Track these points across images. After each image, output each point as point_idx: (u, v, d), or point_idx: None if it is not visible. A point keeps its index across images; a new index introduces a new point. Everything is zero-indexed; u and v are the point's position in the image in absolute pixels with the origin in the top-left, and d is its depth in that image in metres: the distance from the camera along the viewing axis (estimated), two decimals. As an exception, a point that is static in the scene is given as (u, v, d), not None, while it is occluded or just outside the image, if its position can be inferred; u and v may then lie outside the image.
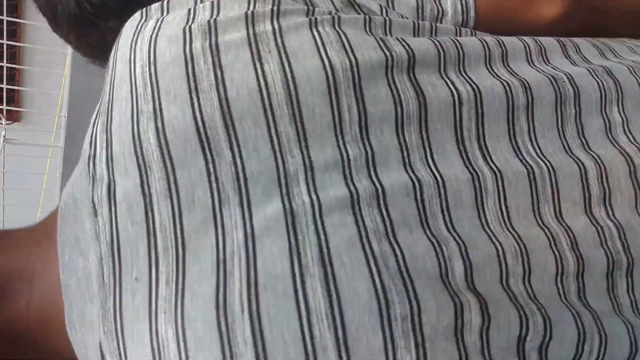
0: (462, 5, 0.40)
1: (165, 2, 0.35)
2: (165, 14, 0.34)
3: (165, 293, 0.28)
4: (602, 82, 0.37)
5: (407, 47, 0.33)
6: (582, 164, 0.34)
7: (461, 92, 0.33)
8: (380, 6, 0.37)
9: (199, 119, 0.30)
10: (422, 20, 0.38)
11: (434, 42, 0.34)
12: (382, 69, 0.32)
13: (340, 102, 0.31)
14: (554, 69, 0.38)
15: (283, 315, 0.27)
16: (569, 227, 0.33)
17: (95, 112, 0.35)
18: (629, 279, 0.33)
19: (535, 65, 0.38)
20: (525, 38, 0.39)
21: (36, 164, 3.05)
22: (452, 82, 0.34)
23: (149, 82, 0.31)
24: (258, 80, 0.31)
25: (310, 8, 0.34)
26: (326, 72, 0.31)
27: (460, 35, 0.38)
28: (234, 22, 0.33)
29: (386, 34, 0.35)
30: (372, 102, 0.32)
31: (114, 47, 0.35)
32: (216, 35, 0.32)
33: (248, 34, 0.32)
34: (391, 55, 0.33)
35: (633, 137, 0.36)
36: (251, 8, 0.33)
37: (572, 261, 0.32)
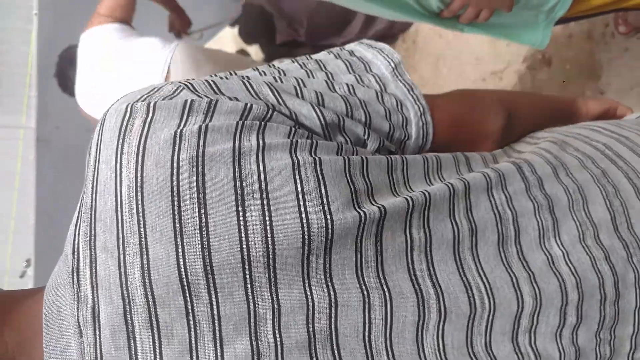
0: (423, 132, 0.45)
1: (151, 104, 0.36)
2: (151, 114, 0.35)
3: None
4: (541, 220, 0.42)
5: (380, 208, 0.36)
6: (523, 300, 0.38)
7: (414, 238, 0.37)
8: (364, 129, 0.41)
9: (182, 265, 0.33)
10: (390, 142, 0.43)
11: (406, 199, 0.38)
12: (355, 228, 0.35)
13: (311, 255, 0.34)
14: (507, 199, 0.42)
15: None
16: (494, 357, 0.38)
17: (76, 215, 0.36)
18: None
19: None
20: (458, 154, 0.45)
21: (8, 146, 2.98)
22: (411, 233, 0.38)
23: (135, 211, 0.33)
24: (240, 230, 0.33)
25: (293, 130, 0.37)
26: (303, 231, 0.34)
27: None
28: (223, 131, 0.35)
29: (364, 176, 0.38)
30: (339, 258, 0.35)
31: (96, 136, 0.37)
32: (204, 146, 0.34)
33: (234, 147, 0.34)
34: (365, 215, 0.36)
35: (574, 268, 0.40)
36: (242, 119, 0.36)
37: None
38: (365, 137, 0.41)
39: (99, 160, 0.35)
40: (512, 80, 1.90)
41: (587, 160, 0.46)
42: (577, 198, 0.43)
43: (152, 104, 0.35)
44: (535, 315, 0.39)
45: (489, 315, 0.37)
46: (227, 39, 2.89)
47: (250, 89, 0.38)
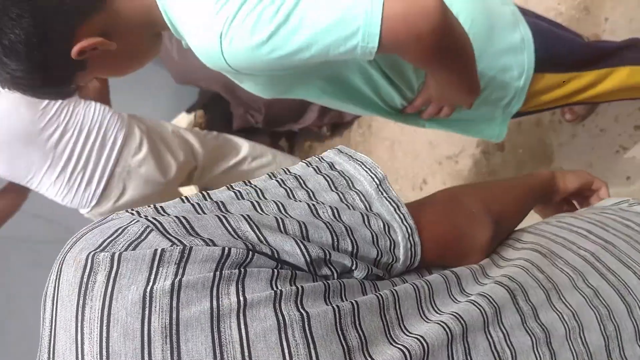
0: (412, 253, 0.43)
1: (116, 255, 0.32)
2: (115, 267, 0.32)
3: None
4: (539, 354, 0.41)
5: None
6: None
7: None
8: (352, 260, 0.39)
9: None
10: (377, 268, 0.41)
11: (402, 352, 0.35)
12: None
13: None
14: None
15: None
16: None
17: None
18: None
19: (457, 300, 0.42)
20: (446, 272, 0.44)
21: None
22: None
23: None
24: None
25: (276, 273, 0.34)
26: None
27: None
28: (199, 287, 0.32)
29: (356, 328, 0.35)
30: None
31: (52, 289, 0.33)
32: (177, 309, 0.30)
33: (212, 308, 0.31)
34: None
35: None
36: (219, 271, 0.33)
37: None
38: (353, 266, 0.39)
39: (55, 324, 0.32)
40: (468, 164, 1.95)
41: (578, 279, 0.45)
42: (573, 326, 0.42)
43: (116, 256, 0.32)
44: None
45: None
46: (183, 124, 2.89)
47: (227, 226, 0.35)
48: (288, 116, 2.44)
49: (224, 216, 0.36)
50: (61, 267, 0.33)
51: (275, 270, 0.34)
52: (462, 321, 0.38)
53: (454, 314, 0.39)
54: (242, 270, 0.33)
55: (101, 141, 1.65)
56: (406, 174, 2.19)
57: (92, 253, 0.32)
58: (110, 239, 0.33)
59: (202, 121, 2.68)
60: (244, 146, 2.09)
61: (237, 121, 2.57)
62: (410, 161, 2.19)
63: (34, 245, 2.70)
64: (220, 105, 2.62)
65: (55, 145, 1.60)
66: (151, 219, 0.34)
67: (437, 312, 0.39)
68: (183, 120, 2.75)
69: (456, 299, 0.41)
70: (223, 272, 0.32)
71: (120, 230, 0.34)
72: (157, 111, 2.59)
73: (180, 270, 0.31)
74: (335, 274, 0.38)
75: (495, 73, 0.94)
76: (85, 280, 0.31)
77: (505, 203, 0.54)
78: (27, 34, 0.71)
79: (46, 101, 1.61)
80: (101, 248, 0.33)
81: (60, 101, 1.66)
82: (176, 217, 0.35)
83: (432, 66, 0.76)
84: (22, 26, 0.71)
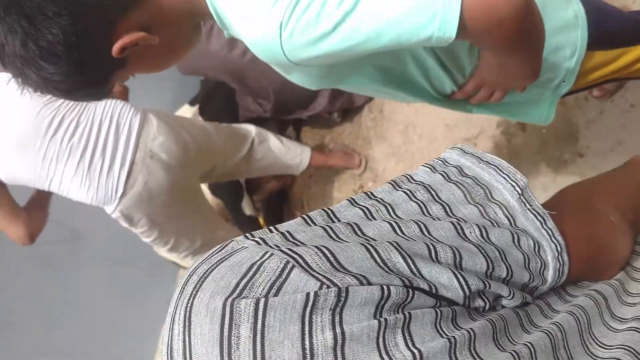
0: (559, 273, 0.40)
1: (260, 303, 0.27)
2: (261, 318, 0.27)
3: None
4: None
5: None
6: None
7: None
8: (509, 288, 0.35)
9: None
10: (527, 293, 0.38)
11: None
12: None
13: None
14: None
15: None
16: None
17: None
18: None
19: None
20: None
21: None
22: None
23: None
24: None
25: (439, 315, 0.31)
26: None
27: None
28: (364, 340, 0.27)
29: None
30: None
31: (180, 342, 0.28)
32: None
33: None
34: None
35: None
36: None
37: None
38: (509, 296, 0.34)
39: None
40: (487, 145, 1.91)
41: None
42: None
43: (261, 304, 0.27)
44: None
45: None
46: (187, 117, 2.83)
47: (376, 257, 0.31)
48: (298, 103, 2.39)
49: (370, 245, 0.31)
50: (189, 316, 0.28)
51: (437, 310, 0.30)
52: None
53: (628, 348, 0.34)
54: (406, 314, 0.29)
55: (115, 129, 1.60)
56: (422, 159, 2.15)
57: (229, 300, 0.27)
58: (246, 280, 0.28)
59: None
60: (252, 130, 2.09)
61: (244, 112, 2.51)
62: (426, 145, 2.15)
63: (39, 246, 2.66)
64: (224, 97, 2.56)
65: (70, 139, 1.55)
66: (288, 252, 0.29)
67: (600, 346, 0.35)
68: (186, 112, 2.69)
69: (611, 326, 0.37)
70: (386, 318, 0.28)
71: (255, 267, 0.29)
72: (159, 104, 2.53)
73: (337, 318, 0.27)
74: (487, 305, 0.33)
75: (546, 53, 0.89)
76: (226, 335, 0.26)
77: (637, 205, 0.49)
78: (65, 33, 0.66)
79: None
80: (238, 292, 0.28)
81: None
82: (316, 247, 0.30)
83: (507, 51, 0.71)
84: (60, 25, 0.66)
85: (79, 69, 0.69)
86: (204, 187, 2.41)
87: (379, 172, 2.29)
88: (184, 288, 0.30)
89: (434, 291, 0.31)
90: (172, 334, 0.29)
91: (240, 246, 0.31)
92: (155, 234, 1.73)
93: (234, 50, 2.22)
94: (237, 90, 2.48)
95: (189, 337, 0.27)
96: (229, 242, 0.33)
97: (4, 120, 1.53)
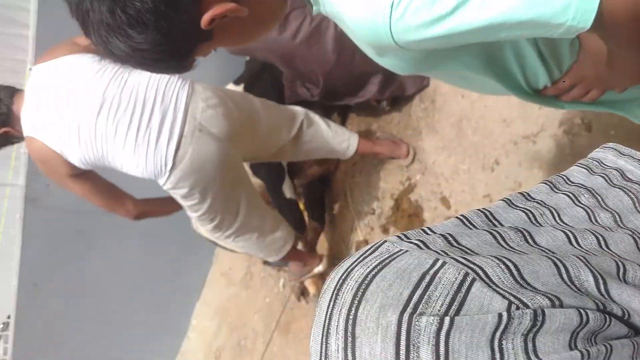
0: None
1: (446, 322, 0.23)
2: (444, 339, 0.23)
3: None
4: None
5: None
6: None
7: None
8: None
9: None
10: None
11: None
12: None
13: None
14: None
15: None
16: None
17: None
18: None
19: None
20: None
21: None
22: None
23: None
24: None
25: (636, 348, 0.27)
26: None
27: None
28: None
29: None
30: None
31: (340, 355, 0.24)
32: None
33: None
34: None
35: None
36: None
37: None
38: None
39: None
40: (548, 144, 1.83)
41: None
42: None
43: (445, 323, 0.23)
44: None
45: None
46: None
47: (564, 274, 0.26)
48: (347, 89, 2.33)
49: (557, 259, 0.26)
50: (352, 331, 0.24)
51: (634, 343, 0.26)
52: None
53: None
54: (607, 346, 0.24)
55: (162, 100, 1.57)
56: (476, 154, 2.07)
57: (405, 315, 0.23)
58: (420, 292, 0.24)
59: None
60: (301, 112, 2.05)
61: (291, 95, 2.47)
62: (479, 140, 2.08)
63: (75, 216, 2.68)
64: (271, 78, 2.52)
65: (115, 113, 1.53)
66: (464, 261, 0.25)
67: None
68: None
69: None
70: (588, 349, 0.24)
71: (428, 277, 0.25)
72: (204, 82, 2.51)
73: (530, 346, 0.23)
74: None
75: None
76: (402, 358, 0.22)
77: None
78: (155, 1, 0.62)
79: (105, 69, 1.54)
80: (412, 306, 0.23)
81: (119, 67, 1.58)
82: (496, 258, 0.25)
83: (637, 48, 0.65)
84: None
85: (167, 39, 0.65)
86: (246, 167, 2.39)
87: (428, 165, 2.23)
88: (338, 293, 0.26)
89: (625, 317, 0.27)
90: (327, 349, 0.25)
91: (398, 249, 0.27)
92: (204, 208, 1.71)
93: (284, 32, 2.17)
94: (284, 73, 2.44)
95: (353, 356, 0.23)
96: (382, 242, 0.29)
97: (71, 105, 1.52)
